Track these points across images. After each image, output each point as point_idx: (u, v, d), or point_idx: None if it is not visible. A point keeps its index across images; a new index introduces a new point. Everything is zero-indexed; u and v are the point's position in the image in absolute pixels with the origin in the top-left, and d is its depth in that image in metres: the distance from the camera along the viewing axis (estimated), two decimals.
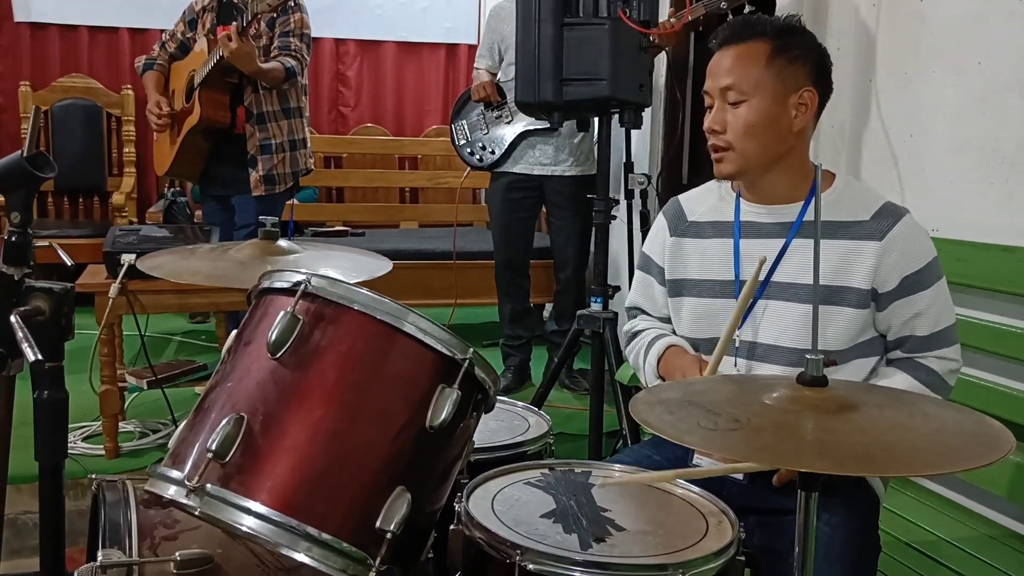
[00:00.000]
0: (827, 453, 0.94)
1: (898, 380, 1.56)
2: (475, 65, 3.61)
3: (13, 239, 1.13)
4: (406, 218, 5.52)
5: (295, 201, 5.13)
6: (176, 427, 2.85)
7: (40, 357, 1.01)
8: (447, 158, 5.75)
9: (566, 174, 3.46)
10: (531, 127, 3.41)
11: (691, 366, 1.64)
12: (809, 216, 1.62)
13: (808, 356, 1.09)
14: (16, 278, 1.12)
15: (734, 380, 1.31)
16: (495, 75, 3.55)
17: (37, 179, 1.13)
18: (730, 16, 2.74)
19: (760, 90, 1.57)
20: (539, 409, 1.99)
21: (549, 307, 4.56)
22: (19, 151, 1.16)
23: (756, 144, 1.59)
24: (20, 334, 1.03)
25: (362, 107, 5.80)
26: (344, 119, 5.78)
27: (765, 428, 0.99)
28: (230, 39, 3.07)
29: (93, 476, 1.46)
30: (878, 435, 1.00)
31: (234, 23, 3.17)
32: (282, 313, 1.18)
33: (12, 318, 1.07)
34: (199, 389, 3.35)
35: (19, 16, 5.17)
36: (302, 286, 1.20)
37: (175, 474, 1.15)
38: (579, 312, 2.72)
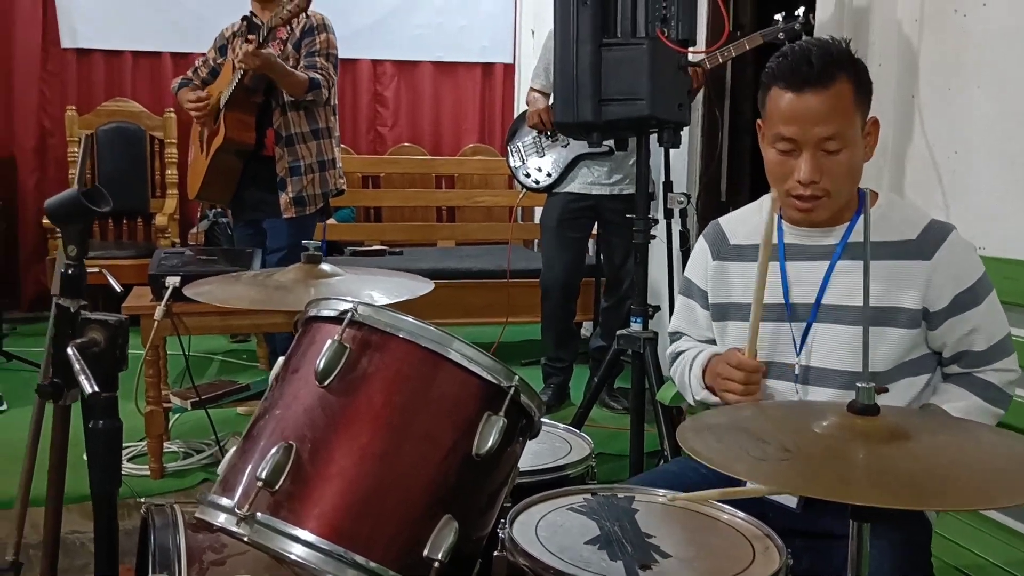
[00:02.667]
0: (881, 484, 0.93)
1: (960, 397, 1.55)
2: (530, 85, 3.60)
3: (69, 272, 1.16)
4: (443, 237, 5.55)
5: (334, 220, 5.22)
6: (218, 447, 2.90)
7: (97, 389, 1.03)
8: (484, 177, 5.79)
9: (624, 192, 3.46)
10: (586, 150, 3.42)
11: (728, 354, 1.62)
12: (854, 237, 1.60)
13: (859, 384, 1.07)
14: (72, 310, 1.15)
15: (782, 407, 1.30)
16: (548, 95, 3.56)
17: (93, 213, 1.15)
18: (786, 44, 2.74)
19: (854, 132, 1.52)
20: (579, 429, 1.98)
21: (587, 325, 4.57)
22: (75, 186, 1.19)
23: (850, 186, 1.57)
24: (77, 366, 1.06)
25: (400, 127, 5.85)
26: (382, 139, 5.83)
27: (816, 457, 0.97)
28: (249, 52, 3.12)
29: (142, 500, 1.49)
30: (933, 465, 0.98)
31: (252, 36, 3.22)
32: (329, 341, 1.20)
33: (69, 350, 1.09)
34: (241, 410, 3.39)
35: (65, 42, 5.30)
36: (348, 314, 1.22)
37: (225, 502, 1.17)
38: (619, 332, 2.71)
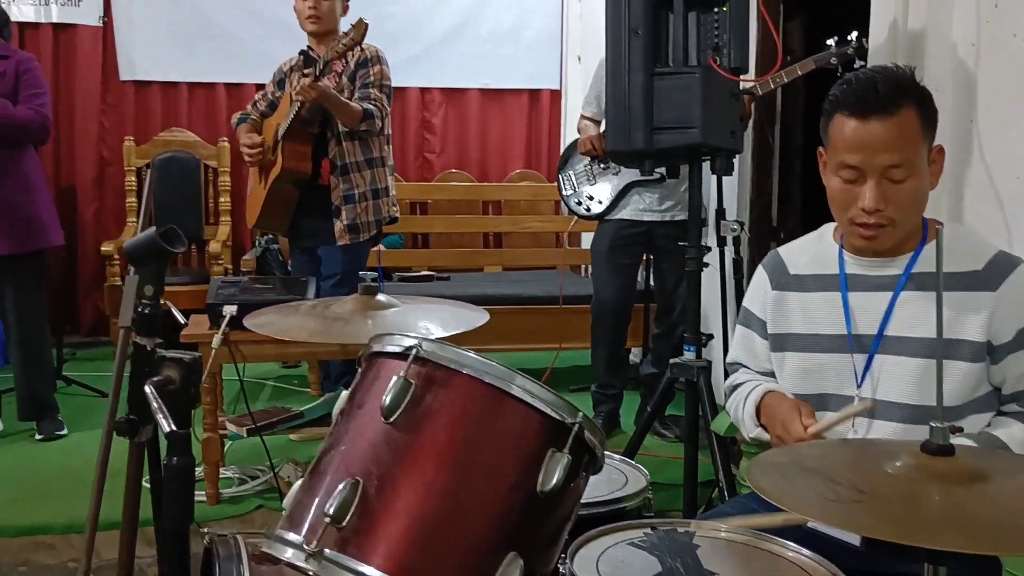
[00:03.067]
0: (960, 528, 0.91)
1: (1017, 433, 1.50)
2: (581, 112, 3.62)
3: (146, 311, 1.19)
4: (490, 262, 5.57)
5: (382, 247, 5.27)
6: (273, 474, 2.93)
7: (175, 427, 1.06)
8: (531, 203, 5.81)
9: (676, 219, 3.45)
10: (638, 178, 3.42)
11: (790, 416, 1.58)
12: (918, 267, 1.58)
13: (932, 424, 1.05)
14: (148, 348, 1.18)
15: (849, 445, 1.27)
16: (599, 123, 3.57)
17: (170, 254, 1.19)
18: (840, 70, 2.73)
19: (920, 160, 1.51)
20: (633, 458, 1.97)
21: (636, 351, 4.54)
22: (153, 228, 1.22)
23: (915, 215, 1.55)
24: (155, 404, 1.08)
25: (447, 153, 5.91)
26: (430, 165, 5.90)
27: (891, 499, 0.96)
28: (305, 85, 3.20)
29: (205, 531, 1.51)
30: (1012, 508, 0.96)
31: (308, 70, 3.31)
32: (395, 378, 1.21)
33: (147, 388, 1.12)
34: (294, 436, 3.43)
35: (124, 75, 5.46)
36: (414, 351, 1.23)
37: (293, 537, 1.18)
38: (672, 360, 2.69)
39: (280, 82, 3.71)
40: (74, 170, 5.44)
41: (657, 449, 3.49)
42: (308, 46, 3.63)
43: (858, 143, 1.50)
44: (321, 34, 3.56)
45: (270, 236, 4.97)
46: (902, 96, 1.49)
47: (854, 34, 2.80)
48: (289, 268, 4.57)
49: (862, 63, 2.70)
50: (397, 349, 1.27)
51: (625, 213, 3.51)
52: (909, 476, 1.03)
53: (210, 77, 5.57)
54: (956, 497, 0.99)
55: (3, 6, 3.72)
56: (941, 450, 1.05)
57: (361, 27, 3.21)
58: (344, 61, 3.51)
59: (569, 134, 5.80)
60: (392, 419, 1.19)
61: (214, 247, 5.05)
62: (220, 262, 5.02)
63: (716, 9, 2.45)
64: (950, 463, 1.04)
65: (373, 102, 3.45)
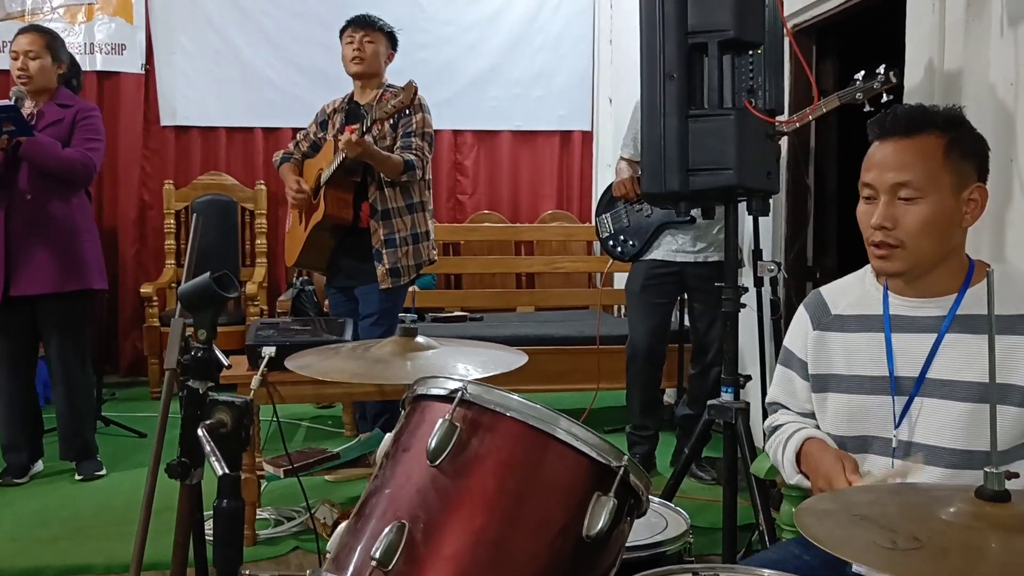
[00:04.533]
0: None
1: None
2: (620, 154, 3.64)
3: (199, 355, 1.21)
4: (522, 303, 5.58)
5: (416, 288, 5.31)
6: (309, 515, 2.92)
7: (227, 471, 1.07)
8: (563, 243, 5.83)
9: (709, 260, 3.45)
10: (670, 219, 3.42)
11: (835, 470, 1.54)
12: (963, 309, 1.56)
13: (987, 470, 1.04)
14: (201, 392, 1.19)
15: (898, 491, 1.25)
16: (638, 163, 3.58)
17: (224, 299, 1.21)
18: (866, 106, 2.71)
19: (937, 187, 1.51)
20: (671, 501, 1.95)
21: (670, 392, 4.51)
22: (207, 274, 1.25)
23: (929, 243, 1.54)
24: (208, 448, 1.10)
25: (479, 195, 5.96)
26: (462, 207, 5.95)
27: (950, 549, 0.94)
28: (351, 141, 3.25)
29: (247, 572, 1.51)
30: None
31: (356, 125, 3.36)
32: (440, 421, 1.21)
33: (200, 432, 1.13)
34: (330, 477, 3.43)
35: (165, 120, 5.59)
36: (459, 394, 1.23)
37: None
38: (710, 402, 2.67)
39: (323, 123, 3.77)
40: (116, 213, 5.56)
41: (694, 492, 3.45)
42: (351, 95, 3.68)
43: (872, 161, 1.56)
44: (364, 76, 3.62)
45: (305, 278, 5.03)
46: (925, 122, 1.53)
47: (882, 68, 2.76)
48: (324, 308, 4.61)
49: (890, 97, 2.67)
50: (442, 392, 1.27)
51: (657, 253, 3.51)
52: (965, 523, 1.01)
53: (248, 122, 5.68)
54: (1015, 545, 0.97)
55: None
56: (997, 496, 1.03)
57: (411, 89, 3.28)
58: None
59: (600, 175, 5.84)
60: (438, 462, 1.19)
61: (251, 288, 5.11)
62: (256, 303, 5.08)
63: (751, 52, 2.47)
64: (1007, 509, 1.02)
65: (415, 152, 3.50)
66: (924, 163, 1.51)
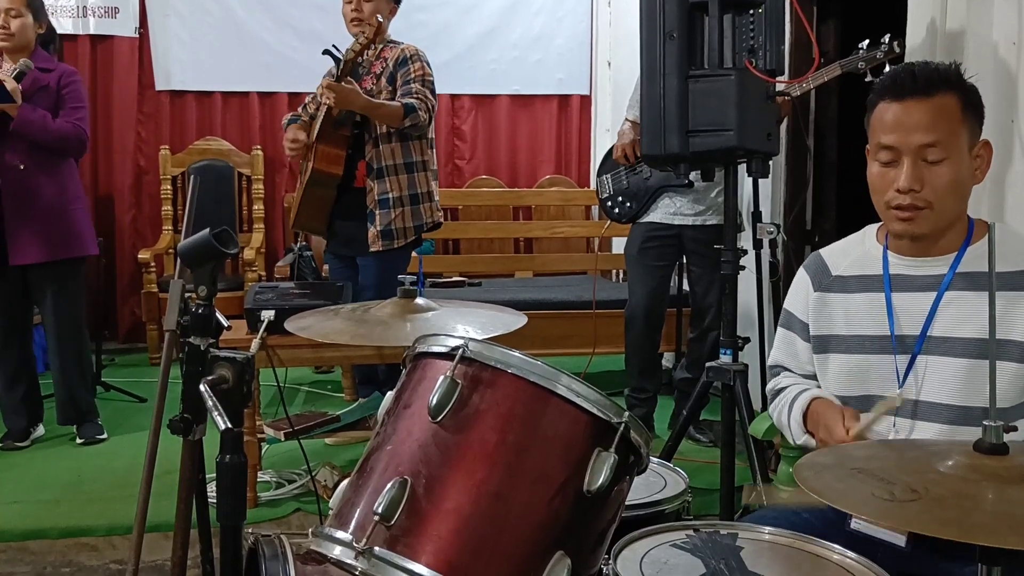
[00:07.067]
0: (1018, 527, 0.90)
1: None
2: (626, 116, 3.58)
3: (200, 311, 1.21)
4: (521, 268, 5.57)
5: (414, 253, 5.29)
6: (310, 477, 2.95)
7: (230, 425, 1.07)
8: (561, 208, 5.81)
9: (707, 223, 3.43)
10: (668, 182, 3.40)
11: (834, 419, 1.58)
12: (964, 267, 1.57)
13: (986, 423, 1.04)
14: (202, 348, 1.20)
15: (896, 446, 1.26)
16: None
17: (224, 255, 1.20)
18: (868, 76, 2.69)
19: (958, 146, 1.52)
20: (669, 462, 1.97)
21: (668, 356, 4.52)
22: (206, 230, 1.24)
23: (955, 202, 1.55)
24: (210, 403, 1.10)
25: (477, 160, 5.92)
26: (460, 172, 5.91)
27: (947, 499, 0.95)
28: (324, 85, 3.19)
29: (249, 531, 1.52)
30: None
31: (330, 69, 3.28)
32: (441, 377, 1.22)
33: (201, 387, 1.14)
34: (330, 440, 3.45)
35: (160, 85, 5.54)
36: (460, 351, 1.24)
37: (341, 535, 1.19)
38: (708, 364, 2.68)
39: None
40: (112, 179, 5.52)
41: (692, 454, 3.48)
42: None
43: (894, 123, 1.53)
44: None
45: (304, 243, 5.01)
46: (940, 82, 1.52)
47: (886, 37, 2.75)
48: (323, 274, 4.60)
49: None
50: (443, 349, 1.28)
51: (655, 216, 3.50)
52: (963, 475, 1.02)
53: (244, 86, 5.61)
54: (1011, 495, 0.98)
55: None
56: (994, 449, 1.04)
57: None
58: (384, 62, 3.49)
59: (599, 139, 5.81)
60: (439, 418, 1.20)
61: (248, 254, 5.10)
62: (254, 269, 5.07)
63: (751, 11, 2.44)
64: (1004, 462, 1.03)
65: (415, 95, 3.36)
66: (948, 123, 1.51)
